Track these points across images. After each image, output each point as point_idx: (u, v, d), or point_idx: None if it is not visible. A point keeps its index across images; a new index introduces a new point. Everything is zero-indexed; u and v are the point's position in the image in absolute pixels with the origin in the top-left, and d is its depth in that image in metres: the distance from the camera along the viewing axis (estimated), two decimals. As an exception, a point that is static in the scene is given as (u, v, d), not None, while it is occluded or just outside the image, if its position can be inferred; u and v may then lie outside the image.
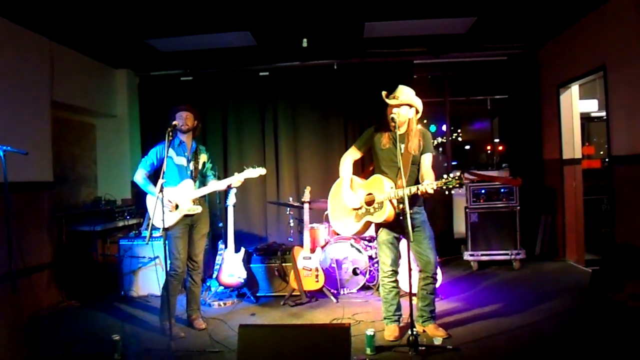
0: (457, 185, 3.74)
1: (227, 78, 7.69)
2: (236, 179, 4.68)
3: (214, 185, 4.72)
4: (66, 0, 4.85)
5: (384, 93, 4.16)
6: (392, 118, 3.99)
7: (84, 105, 6.69)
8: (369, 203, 4.15)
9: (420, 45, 7.11)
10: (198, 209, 4.64)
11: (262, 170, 4.76)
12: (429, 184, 3.79)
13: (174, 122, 4.48)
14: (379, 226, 4.26)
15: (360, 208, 4.20)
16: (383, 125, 4.24)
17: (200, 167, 4.79)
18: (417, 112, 4.19)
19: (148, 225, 4.95)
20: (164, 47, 6.57)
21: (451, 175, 3.77)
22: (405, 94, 4.13)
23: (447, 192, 3.80)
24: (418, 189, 3.82)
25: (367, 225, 4.25)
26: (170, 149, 4.66)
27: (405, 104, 4.10)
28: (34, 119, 5.59)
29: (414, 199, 4.06)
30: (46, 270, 5.60)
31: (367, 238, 6.04)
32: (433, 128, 9.46)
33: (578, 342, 3.96)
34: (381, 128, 4.26)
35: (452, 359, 3.75)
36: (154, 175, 4.57)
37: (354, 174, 4.38)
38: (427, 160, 4.19)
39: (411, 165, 4.14)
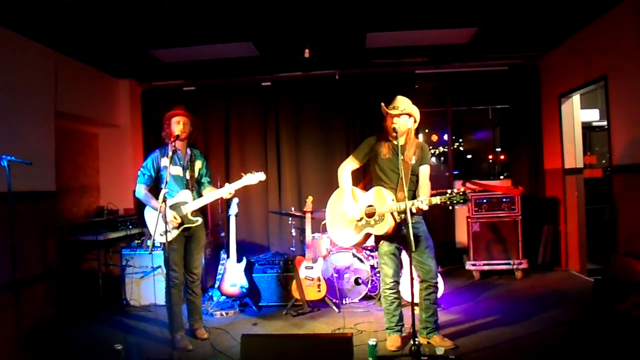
0: (461, 201, 3.74)
1: (229, 88, 7.73)
2: (234, 187, 4.53)
3: (213, 194, 4.57)
4: (71, 11, 4.89)
5: (382, 105, 4.18)
6: (394, 128, 4.01)
7: (87, 115, 6.72)
8: (370, 215, 4.15)
9: (422, 55, 7.15)
10: (198, 221, 4.55)
11: (261, 176, 4.62)
12: (430, 199, 3.81)
13: (176, 134, 4.42)
14: (379, 238, 4.26)
15: (361, 219, 4.20)
16: (383, 135, 4.26)
17: (196, 175, 4.68)
18: (415, 121, 4.22)
19: (149, 237, 4.93)
20: (166, 57, 6.61)
21: (455, 190, 3.77)
22: (404, 103, 4.15)
23: (450, 208, 3.80)
24: (422, 202, 3.82)
25: (367, 236, 4.24)
26: (165, 158, 4.53)
27: (405, 114, 4.13)
28: (37, 129, 5.62)
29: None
30: (49, 279, 5.60)
31: (368, 248, 6.04)
32: (435, 137, 9.47)
33: (581, 352, 3.96)
34: (381, 138, 4.27)
35: (455, 369, 3.75)
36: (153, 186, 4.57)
37: (353, 182, 4.37)
38: (424, 172, 4.21)
39: (410, 175, 4.15)
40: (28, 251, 5.16)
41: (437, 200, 3.81)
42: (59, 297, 5.77)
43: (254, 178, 4.58)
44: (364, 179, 5.87)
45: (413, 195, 4.09)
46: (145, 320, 5.47)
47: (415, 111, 4.19)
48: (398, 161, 3.93)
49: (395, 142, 4.06)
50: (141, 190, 4.55)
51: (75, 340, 4.81)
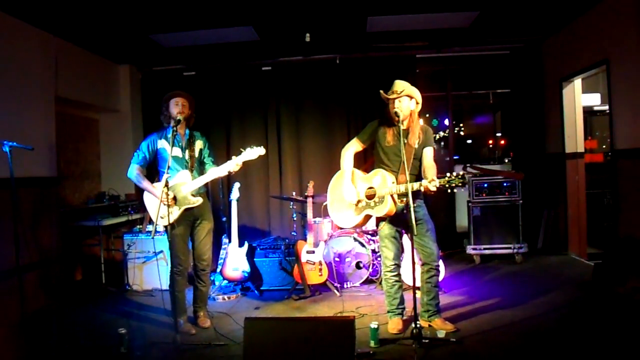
0: (460, 184, 3.74)
1: (229, 73, 7.70)
2: (234, 163, 4.38)
3: (212, 173, 4.44)
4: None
5: (382, 92, 4.17)
6: (396, 112, 4.01)
7: (87, 101, 6.71)
8: (370, 197, 4.16)
9: (423, 39, 7.10)
10: (198, 201, 4.42)
11: (261, 150, 4.47)
12: (432, 182, 3.80)
13: (176, 116, 4.33)
14: (380, 220, 4.27)
15: (359, 202, 4.21)
16: (386, 120, 4.24)
17: (197, 155, 4.56)
18: (417, 103, 4.20)
19: (149, 221, 4.88)
20: (167, 42, 6.58)
21: (454, 173, 3.77)
22: (403, 86, 4.13)
23: (449, 191, 3.81)
24: (421, 185, 3.83)
25: (367, 218, 4.24)
26: (163, 141, 4.46)
27: (406, 96, 4.10)
28: (38, 115, 5.61)
29: (415, 193, 4.04)
30: (51, 264, 5.62)
31: (370, 232, 6.06)
32: (435, 122, 9.46)
33: (581, 335, 3.98)
34: (385, 123, 4.26)
35: (455, 352, 3.77)
36: (148, 169, 4.52)
37: (354, 164, 4.37)
38: (428, 153, 4.19)
39: (413, 159, 4.15)
40: (30, 237, 5.18)
41: (436, 183, 3.82)
42: (62, 283, 5.81)
43: (253, 153, 4.44)
44: (365, 162, 5.87)
45: (415, 179, 4.08)
46: (148, 305, 5.51)
47: (416, 92, 4.16)
48: (401, 145, 3.92)
49: (399, 127, 4.02)
50: (133, 170, 4.45)
51: (78, 325, 4.84)
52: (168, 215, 4.08)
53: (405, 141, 4.07)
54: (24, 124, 5.31)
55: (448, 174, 3.78)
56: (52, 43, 5.88)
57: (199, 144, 4.62)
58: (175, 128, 4.29)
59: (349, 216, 4.31)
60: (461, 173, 3.76)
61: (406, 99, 4.11)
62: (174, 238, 4.38)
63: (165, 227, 4.32)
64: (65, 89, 6.08)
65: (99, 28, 5.91)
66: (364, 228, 6.04)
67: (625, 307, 4.38)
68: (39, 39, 5.66)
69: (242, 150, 4.47)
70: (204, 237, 4.60)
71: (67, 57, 6.17)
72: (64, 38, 6.08)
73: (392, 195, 4.02)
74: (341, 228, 6.02)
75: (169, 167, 4.08)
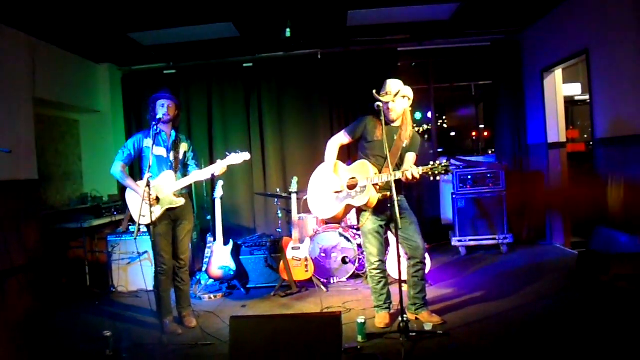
0: (443, 172, 3.77)
1: (210, 70, 7.65)
2: (219, 167, 4.43)
3: (196, 175, 4.48)
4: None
5: (374, 92, 4.15)
6: (392, 113, 4.10)
7: (66, 102, 6.62)
8: (352, 187, 4.15)
9: (404, 32, 7.09)
10: (180, 202, 4.44)
11: (246, 155, 4.49)
12: (414, 168, 3.82)
13: (158, 117, 4.33)
14: (362, 212, 4.27)
15: (341, 191, 4.20)
16: (377, 116, 4.20)
17: (181, 157, 4.58)
18: (409, 99, 4.23)
19: (129, 221, 4.85)
20: (146, 40, 6.51)
21: (437, 162, 3.80)
22: (396, 86, 4.14)
23: (432, 179, 3.84)
24: (403, 173, 3.84)
25: (348, 209, 4.24)
26: (149, 139, 4.42)
27: (400, 96, 4.13)
28: (16, 117, 5.51)
29: (397, 188, 4.04)
30: (34, 268, 5.54)
31: (355, 227, 6.06)
32: (418, 115, 9.48)
33: (567, 324, 4.01)
34: (375, 118, 4.24)
35: (443, 344, 3.77)
36: (131, 167, 4.46)
37: (339, 159, 4.37)
38: (410, 158, 4.19)
39: (398, 158, 4.16)
40: (11, 241, 5.10)
41: (419, 170, 3.84)
42: (45, 287, 5.72)
43: (238, 157, 4.47)
44: (349, 158, 5.86)
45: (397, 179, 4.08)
46: (133, 306, 5.45)
47: (409, 91, 4.21)
48: (384, 140, 3.90)
49: (391, 125, 4.13)
50: (118, 167, 4.41)
51: (63, 329, 4.79)
52: (150, 214, 4.04)
53: (396, 137, 4.11)
54: (1, 126, 5.22)
55: (431, 162, 3.80)
56: (28, 43, 5.78)
57: (183, 147, 4.64)
58: (156, 126, 4.28)
59: (329, 206, 4.29)
60: (445, 161, 3.79)
61: (400, 98, 4.12)
62: (157, 237, 4.36)
63: (147, 226, 4.28)
64: (43, 89, 5.99)
65: (76, 27, 5.82)
66: (349, 223, 6.05)
67: (609, 294, 4.43)
68: (14, 39, 5.56)
69: (227, 154, 4.49)
70: (184, 237, 4.61)
71: (43, 57, 6.07)
72: (39, 38, 5.98)
73: (374, 185, 4.02)
74: (327, 223, 6.01)
75: (150, 167, 4.05)
